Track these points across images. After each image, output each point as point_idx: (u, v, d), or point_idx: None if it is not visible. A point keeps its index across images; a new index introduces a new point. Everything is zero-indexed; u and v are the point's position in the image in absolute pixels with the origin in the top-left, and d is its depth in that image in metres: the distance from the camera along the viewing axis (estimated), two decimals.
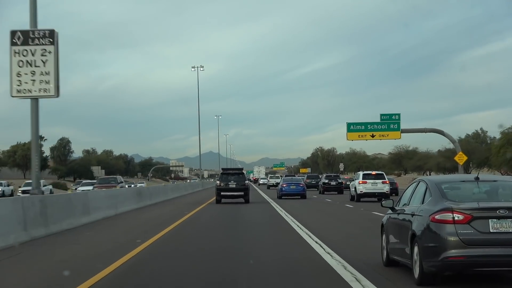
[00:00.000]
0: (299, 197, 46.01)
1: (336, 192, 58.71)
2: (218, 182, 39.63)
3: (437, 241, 9.11)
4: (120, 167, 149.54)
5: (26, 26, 20.77)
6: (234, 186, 38.73)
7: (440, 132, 51.75)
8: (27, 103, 20.84)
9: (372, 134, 50.67)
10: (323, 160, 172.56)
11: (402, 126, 50.90)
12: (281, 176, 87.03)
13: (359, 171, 54.96)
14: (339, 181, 59.54)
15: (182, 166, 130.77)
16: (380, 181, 42.91)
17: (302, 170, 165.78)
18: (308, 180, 72.88)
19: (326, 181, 59.31)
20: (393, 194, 45.97)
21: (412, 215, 10.10)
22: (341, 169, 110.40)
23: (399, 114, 50.50)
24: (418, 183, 10.79)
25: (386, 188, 42.54)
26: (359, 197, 42.17)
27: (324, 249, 14.62)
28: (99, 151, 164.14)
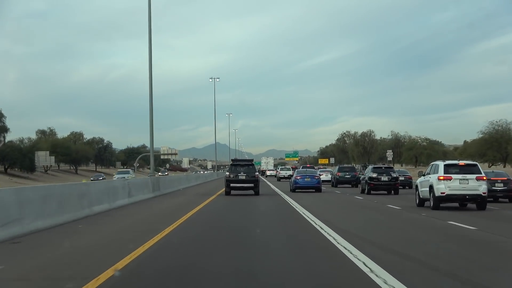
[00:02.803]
0: (314, 190, 46.00)
1: (387, 192, 43.66)
2: (227, 173, 40.61)
3: None
4: (87, 153, 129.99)
5: None
6: (244, 177, 39.82)
7: None
8: None
9: None
10: (356, 147, 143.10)
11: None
12: (293, 167, 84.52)
13: (435, 161, 35.14)
14: (394, 175, 43.75)
15: (175, 154, 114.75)
16: (473, 176, 27.77)
17: (321, 161, 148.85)
18: (340, 174, 57.44)
19: (374, 175, 43.38)
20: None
21: None
22: (389, 158, 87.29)
23: None
24: None
25: (482, 188, 27.78)
26: (438, 202, 27.99)
27: None
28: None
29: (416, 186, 31.05)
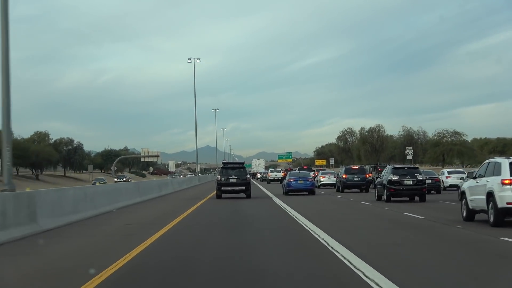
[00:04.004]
0: (307, 193, 45.47)
1: (408, 198, 35.61)
2: (218, 176, 41.01)
3: None
4: (50, 156, 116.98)
5: None
6: (235, 180, 40.17)
7: None
8: None
9: None
10: (363, 145, 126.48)
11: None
12: (288, 169, 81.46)
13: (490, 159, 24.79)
14: (420, 177, 35.51)
15: (157, 156, 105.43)
16: None
17: (318, 162, 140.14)
18: (347, 176, 49.21)
19: (395, 177, 35.21)
20: None
21: None
22: (409, 156, 74.29)
23: None
24: None
25: None
26: (502, 216, 20.10)
27: None
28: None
29: (462, 192, 23.05)
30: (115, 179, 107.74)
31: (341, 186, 49.88)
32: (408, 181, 35.14)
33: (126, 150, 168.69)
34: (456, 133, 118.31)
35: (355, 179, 49.66)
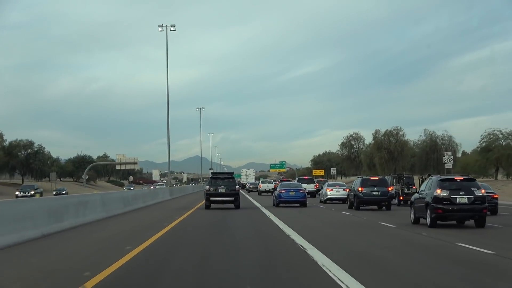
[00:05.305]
0: (299, 205, 44.49)
1: (460, 221, 26.21)
2: (207, 186, 41.38)
3: None
4: None
5: None
6: (224, 191, 40.52)
7: None
8: None
9: None
10: (378, 152, 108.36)
11: None
12: (283, 180, 76.91)
13: None
14: (479, 194, 25.67)
15: (135, 163, 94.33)
16: None
17: (315, 172, 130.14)
18: (363, 189, 39.73)
19: (444, 194, 25.80)
20: None
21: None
22: (448, 165, 58.27)
23: None
24: None
25: None
26: None
27: None
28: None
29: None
30: (17, 192, 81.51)
31: (356, 202, 39.83)
32: (462, 199, 25.38)
33: (105, 157, 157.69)
34: None
35: (374, 192, 39.79)
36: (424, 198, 26.57)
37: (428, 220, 25.88)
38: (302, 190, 45.61)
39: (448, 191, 25.56)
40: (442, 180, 26.32)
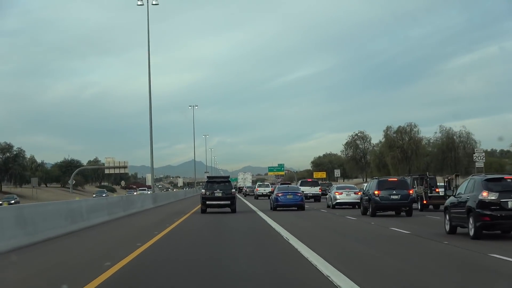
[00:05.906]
0: (296, 208, 44.62)
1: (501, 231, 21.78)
2: (203, 190, 41.74)
3: None
4: None
5: None
6: (220, 195, 40.88)
7: None
8: None
9: None
10: (391, 151, 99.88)
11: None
12: (283, 183, 77.67)
13: None
14: None
15: (125, 167, 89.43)
16: None
17: (317, 175, 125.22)
18: (380, 192, 34.93)
19: (493, 197, 21.21)
20: None
21: None
22: (478, 163, 52.28)
23: None
24: None
25: None
26: None
27: None
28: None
29: None
30: None
31: (372, 207, 34.92)
32: None
33: (96, 161, 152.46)
34: None
35: (393, 196, 34.84)
36: (465, 202, 21.76)
37: (472, 230, 21.05)
38: (300, 193, 45.75)
39: (497, 194, 20.80)
40: (488, 180, 21.48)
